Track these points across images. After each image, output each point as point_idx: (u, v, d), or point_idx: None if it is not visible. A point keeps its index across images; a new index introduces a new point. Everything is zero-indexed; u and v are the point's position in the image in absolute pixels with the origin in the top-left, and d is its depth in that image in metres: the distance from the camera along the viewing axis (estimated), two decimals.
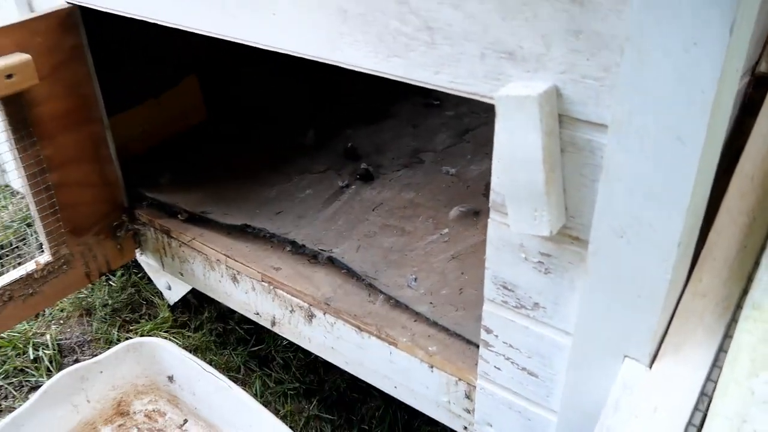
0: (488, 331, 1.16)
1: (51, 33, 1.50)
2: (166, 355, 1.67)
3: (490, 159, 1.94)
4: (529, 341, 1.11)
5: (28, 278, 1.63)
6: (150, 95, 1.99)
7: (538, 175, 0.90)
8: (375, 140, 2.08)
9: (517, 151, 0.91)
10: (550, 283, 1.04)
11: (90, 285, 2.11)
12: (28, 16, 1.52)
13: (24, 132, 1.50)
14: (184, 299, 2.07)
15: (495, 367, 1.19)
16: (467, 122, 2.18)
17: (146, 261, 1.96)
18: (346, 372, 1.53)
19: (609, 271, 0.93)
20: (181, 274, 1.82)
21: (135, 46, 1.92)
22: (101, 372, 1.66)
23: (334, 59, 1.11)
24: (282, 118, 2.24)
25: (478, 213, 1.71)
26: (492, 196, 1.04)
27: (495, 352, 1.17)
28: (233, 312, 2.03)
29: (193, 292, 2.02)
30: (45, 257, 1.66)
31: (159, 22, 1.37)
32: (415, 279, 1.50)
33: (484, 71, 0.95)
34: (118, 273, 2.16)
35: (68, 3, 1.52)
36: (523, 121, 0.88)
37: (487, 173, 1.86)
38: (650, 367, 0.96)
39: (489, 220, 1.06)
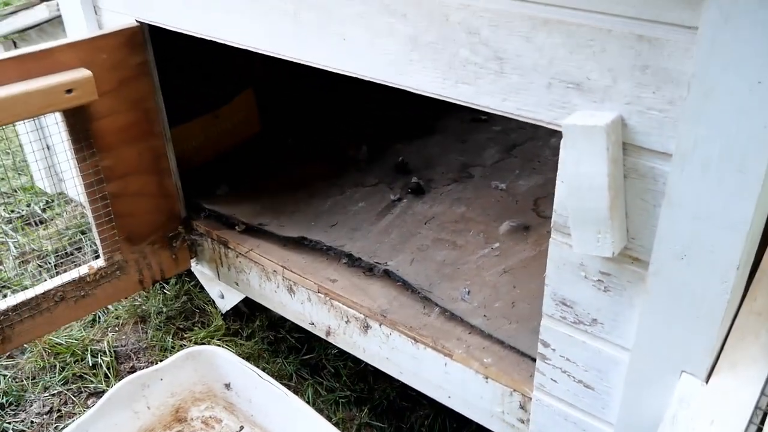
0: (546, 345, 1.21)
1: (117, 50, 1.58)
2: (224, 362, 1.74)
3: (538, 174, 2.00)
4: (586, 355, 1.16)
5: (80, 281, 1.72)
6: (208, 109, 2.08)
7: (602, 201, 0.95)
8: (424, 154, 2.14)
9: (583, 178, 0.96)
10: (609, 301, 1.08)
11: (144, 292, 2.20)
12: (95, 33, 1.60)
13: (84, 143, 1.59)
14: (235, 308, 2.15)
15: (551, 379, 1.23)
16: (514, 137, 2.23)
17: (201, 270, 2.04)
18: (395, 380, 1.58)
19: (669, 290, 0.97)
20: (237, 284, 1.89)
21: (196, 62, 2.00)
22: (161, 379, 1.73)
23: (402, 84, 1.17)
24: (333, 131, 2.31)
25: (528, 228, 1.76)
26: (554, 217, 1.08)
27: (552, 365, 1.22)
28: (284, 320, 2.10)
29: (245, 300, 2.10)
30: (99, 262, 1.75)
31: (231, 44, 1.45)
32: (468, 292, 1.55)
33: (550, 100, 1.00)
34: (172, 281, 2.24)
35: (136, 22, 1.60)
36: (590, 149, 0.93)
37: (536, 188, 1.91)
38: (707, 382, 1.00)
39: (550, 240, 1.11)
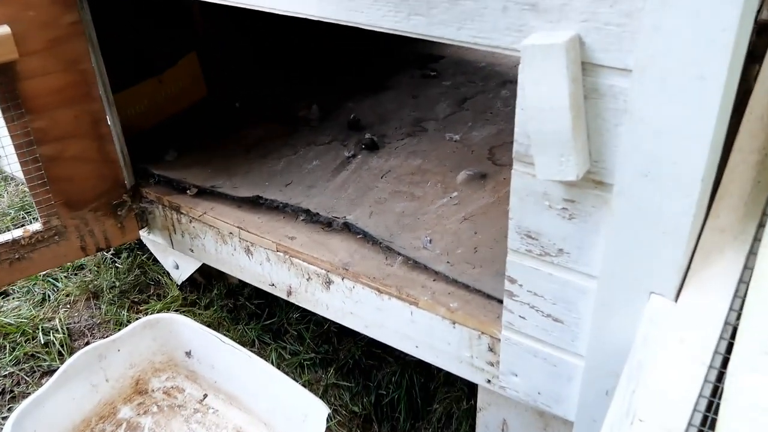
0: (512, 281, 1.20)
1: (46, 7, 1.50)
2: (184, 329, 1.69)
3: (491, 125, 1.99)
4: (553, 288, 1.15)
5: (14, 243, 1.65)
6: (152, 73, 2.00)
7: (564, 121, 0.94)
8: (377, 111, 2.11)
9: (543, 100, 0.94)
10: (574, 229, 1.08)
11: (96, 268, 2.12)
12: None
13: (11, 103, 1.52)
14: (191, 278, 2.09)
15: (520, 316, 1.23)
16: (464, 91, 2.21)
17: (153, 240, 1.97)
18: (360, 339, 1.57)
19: (634, 210, 0.97)
20: (192, 251, 1.83)
21: (137, 26, 1.92)
22: (119, 350, 1.67)
23: (354, 21, 1.13)
24: (282, 93, 2.26)
25: (485, 176, 1.75)
26: (515, 147, 1.07)
27: (519, 302, 1.21)
28: (243, 287, 2.06)
29: (201, 270, 2.04)
30: (35, 226, 1.69)
31: None
32: (430, 241, 1.53)
33: (506, 24, 0.98)
34: (124, 254, 2.17)
35: None
36: (550, 69, 0.91)
37: (490, 138, 1.90)
38: (676, 301, 1.01)
39: (512, 170, 1.09)
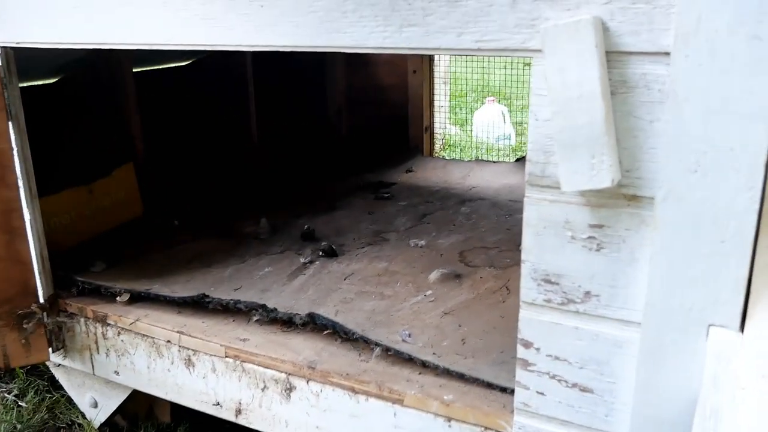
0: (527, 344, 0.99)
1: None
2: None
3: (457, 234, 1.86)
4: (580, 346, 0.95)
5: None
6: (82, 181, 1.79)
7: (596, 111, 0.81)
8: (332, 226, 1.95)
9: (571, 87, 0.81)
10: (604, 263, 0.90)
11: None
12: None
13: None
14: (111, 423, 1.74)
15: (537, 392, 1.00)
16: (422, 209, 2.10)
17: (67, 373, 1.65)
18: None
19: (683, 217, 0.81)
20: (117, 373, 1.52)
21: (69, 124, 1.75)
22: None
23: (337, 44, 1.01)
24: (226, 209, 2.08)
25: (459, 276, 1.58)
26: (528, 168, 0.92)
27: (537, 372, 0.99)
28: (175, 427, 1.72)
29: (124, 410, 1.70)
30: None
31: (115, 46, 1.24)
32: (410, 335, 1.31)
33: (515, 20, 0.87)
34: (30, 394, 1.80)
35: None
36: (577, 49, 0.80)
37: (458, 244, 1.76)
38: (742, 332, 0.82)
39: (525, 198, 0.93)
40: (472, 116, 4.97)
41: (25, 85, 1.62)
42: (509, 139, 4.43)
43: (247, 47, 1.09)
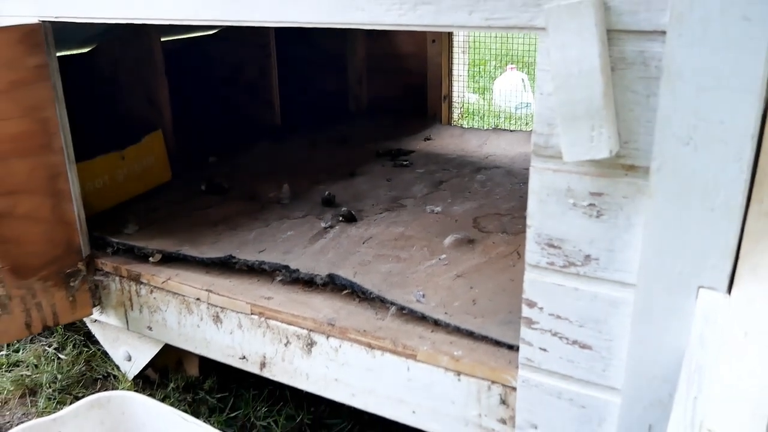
0: (531, 304, 1.06)
1: (9, 47, 1.40)
2: (139, 410, 1.44)
3: (471, 201, 1.92)
4: (579, 306, 1.02)
5: None
6: (114, 147, 1.88)
7: (595, 86, 0.86)
8: (351, 192, 2.02)
9: (572, 64, 0.87)
10: (602, 228, 0.97)
11: (34, 361, 1.86)
12: None
13: None
14: (143, 376, 1.85)
15: (540, 348, 1.08)
16: (439, 176, 2.16)
17: (102, 328, 1.76)
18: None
19: (676, 186, 0.87)
20: (150, 329, 1.63)
21: (101, 97, 1.84)
22: None
23: (355, 21, 1.07)
24: (250, 177, 2.16)
25: (472, 240, 1.64)
26: (533, 139, 0.98)
27: (540, 330, 1.07)
28: (203, 380, 1.83)
29: (155, 364, 1.81)
30: None
31: (143, 21, 1.31)
32: (423, 295, 1.39)
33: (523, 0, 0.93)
34: (69, 347, 1.92)
35: (37, 20, 1.43)
36: (578, 27, 0.85)
37: (473, 210, 1.82)
38: (729, 294, 0.89)
39: (530, 168, 1.00)
40: (492, 84, 4.99)
41: (60, 54, 1.70)
42: (528, 107, 4.44)
43: (270, 23, 1.16)
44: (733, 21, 0.78)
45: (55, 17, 1.40)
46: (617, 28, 0.88)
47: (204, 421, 1.68)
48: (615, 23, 0.87)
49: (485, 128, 3.16)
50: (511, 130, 2.87)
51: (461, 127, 2.95)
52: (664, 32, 0.84)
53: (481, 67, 5.64)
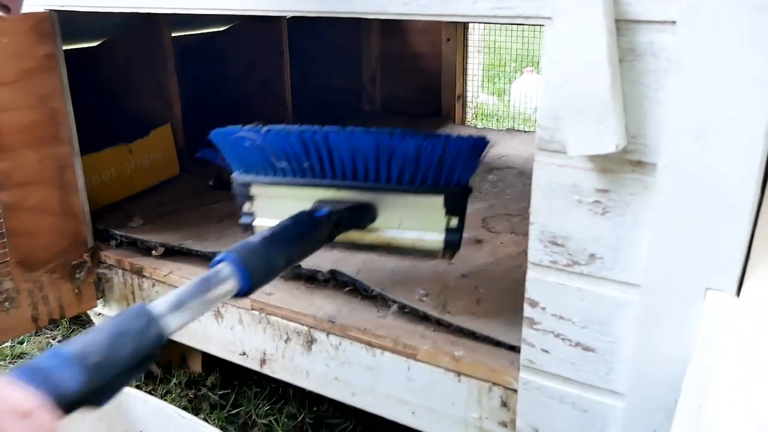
0: (534, 304, 1.03)
1: (21, 35, 1.39)
2: (136, 405, 1.43)
3: (481, 201, 1.88)
4: (583, 307, 0.99)
5: None
6: (121, 140, 1.87)
7: (602, 78, 0.83)
8: None
9: (577, 55, 0.84)
10: (608, 226, 0.94)
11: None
12: None
13: None
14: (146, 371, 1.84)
15: (542, 350, 1.04)
16: None
17: (107, 315, 1.75)
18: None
19: (685, 184, 0.84)
20: None
21: (110, 89, 1.83)
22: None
23: (360, 10, 1.04)
24: None
25: (480, 241, 1.62)
26: (538, 133, 0.95)
27: (542, 330, 1.03)
28: (206, 377, 1.81)
29: (158, 360, 1.80)
30: None
31: (147, 10, 1.30)
32: (426, 294, 1.36)
33: None
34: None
35: (45, 8, 1.42)
36: (584, 16, 0.82)
37: (482, 210, 1.79)
38: (738, 296, 0.85)
39: (535, 163, 0.97)
40: (510, 86, 4.95)
41: (71, 47, 1.70)
42: None
43: (273, 12, 1.14)
44: (748, 12, 0.75)
45: (61, 6, 1.39)
46: (626, 17, 0.84)
47: (205, 418, 1.67)
48: (624, 13, 0.84)
49: (499, 129, 3.13)
50: (525, 131, 2.84)
51: (475, 127, 2.92)
52: (674, 22, 0.81)
53: (499, 68, 5.59)
